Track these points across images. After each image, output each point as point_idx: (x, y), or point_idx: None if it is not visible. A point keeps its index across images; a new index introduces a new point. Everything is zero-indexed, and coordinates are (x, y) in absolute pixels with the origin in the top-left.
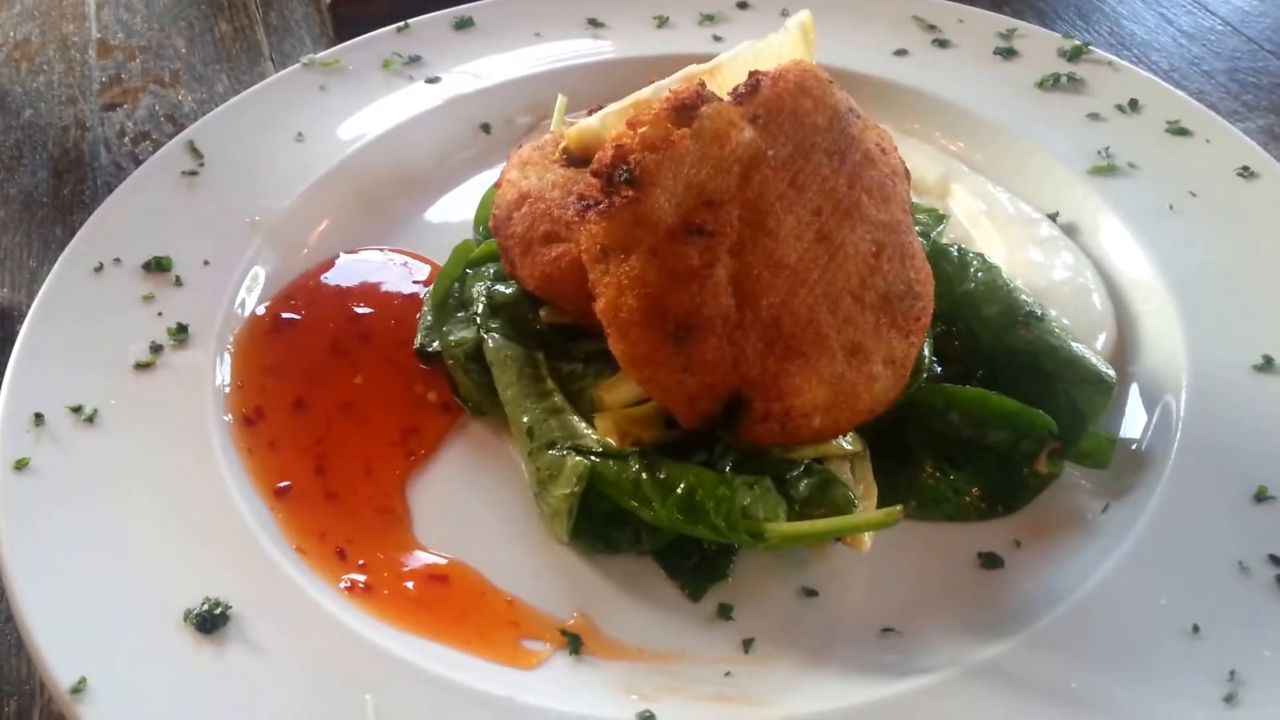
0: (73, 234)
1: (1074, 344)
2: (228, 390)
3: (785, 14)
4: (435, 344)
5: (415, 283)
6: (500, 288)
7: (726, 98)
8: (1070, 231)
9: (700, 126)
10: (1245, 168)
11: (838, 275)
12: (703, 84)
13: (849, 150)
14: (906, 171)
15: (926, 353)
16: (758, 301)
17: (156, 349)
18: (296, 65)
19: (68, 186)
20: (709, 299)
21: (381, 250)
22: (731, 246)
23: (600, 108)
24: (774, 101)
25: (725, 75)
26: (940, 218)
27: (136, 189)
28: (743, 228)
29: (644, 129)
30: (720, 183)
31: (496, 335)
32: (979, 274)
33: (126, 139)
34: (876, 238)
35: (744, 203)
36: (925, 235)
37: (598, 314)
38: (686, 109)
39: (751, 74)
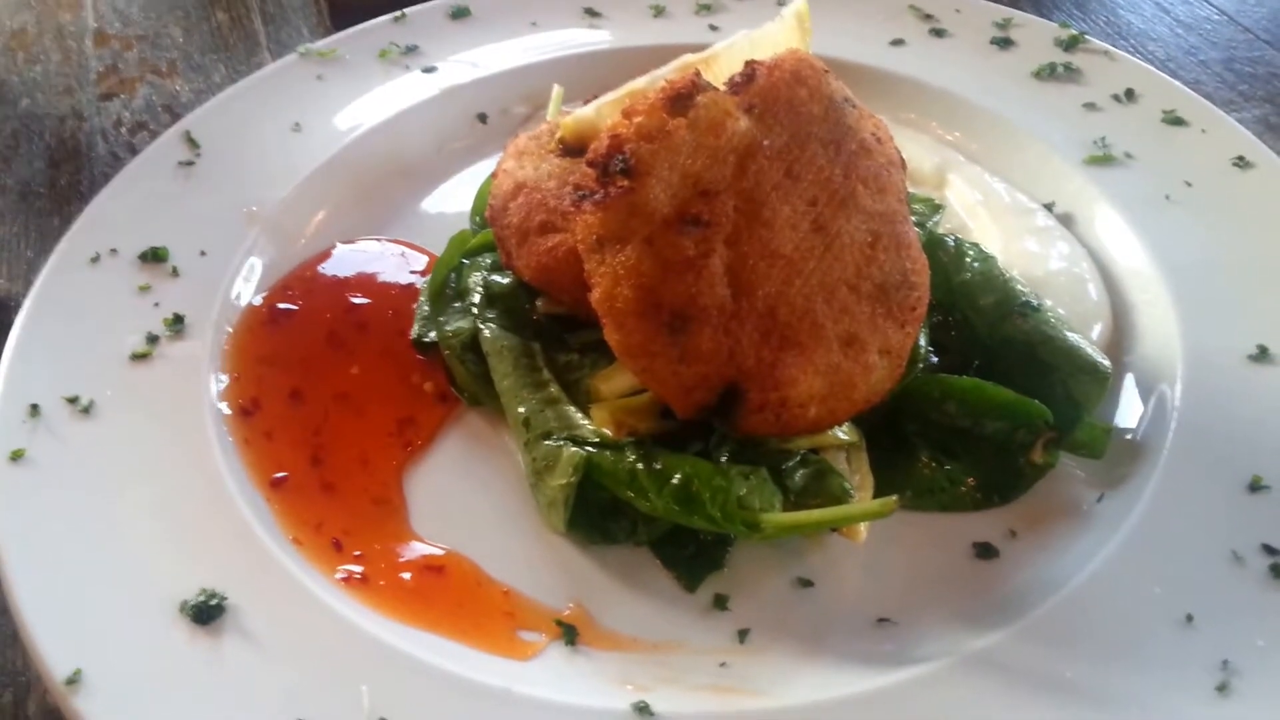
0: (69, 224)
1: (1069, 334)
2: (224, 381)
3: (781, 3)
4: (432, 334)
5: (412, 273)
6: (497, 278)
7: (722, 87)
8: (1066, 221)
9: (696, 116)
10: (1241, 158)
11: (833, 265)
12: (698, 73)
13: (844, 140)
14: (902, 161)
15: (922, 343)
16: (753, 292)
17: (153, 340)
18: (293, 55)
19: (64, 177)
20: (704, 289)
21: (378, 240)
22: (727, 237)
23: (596, 97)
24: (769, 91)
25: (721, 65)
26: (936, 207)
27: (133, 179)
28: (738, 218)
29: (639, 119)
30: (716, 173)
31: (493, 325)
32: (975, 264)
33: (123, 129)
34: (872, 228)
35: (739, 193)
36: (921, 225)
37: (593, 304)
38: (682, 99)
39: (747, 63)
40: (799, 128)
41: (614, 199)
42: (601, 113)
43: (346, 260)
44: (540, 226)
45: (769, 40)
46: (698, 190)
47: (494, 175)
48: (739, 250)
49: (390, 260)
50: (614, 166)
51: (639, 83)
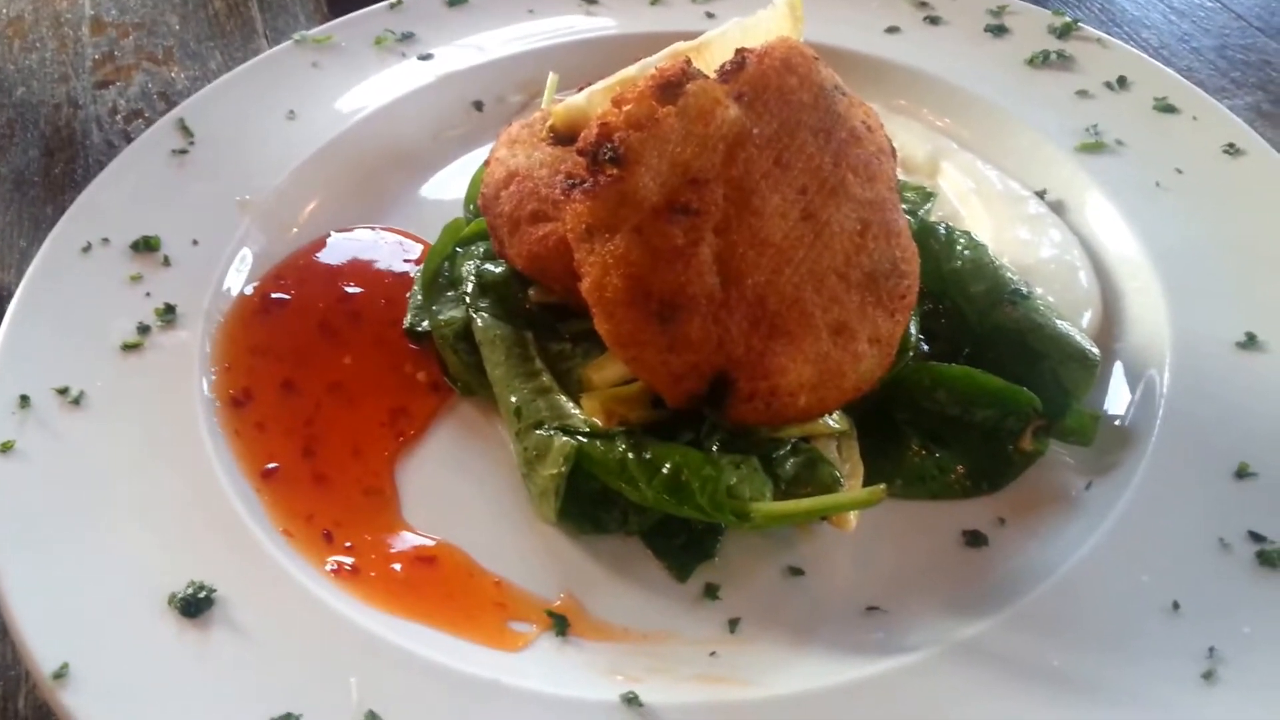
0: (64, 213)
1: (1059, 322)
2: (215, 371)
3: None
4: (425, 323)
5: (406, 261)
6: (489, 267)
7: (713, 75)
8: (1057, 209)
9: (685, 104)
10: (1231, 145)
11: (823, 254)
12: (688, 61)
13: (834, 128)
14: (892, 149)
15: (913, 331)
16: (743, 280)
17: (144, 330)
18: (288, 42)
19: (59, 165)
20: (694, 278)
21: (373, 229)
22: (716, 225)
23: (590, 85)
24: (759, 79)
25: (713, 52)
26: (928, 195)
27: (125, 168)
28: (727, 206)
29: (629, 107)
30: (705, 161)
31: (485, 314)
32: (965, 252)
33: (119, 117)
34: (862, 216)
35: (729, 181)
36: (912, 213)
37: (583, 293)
38: (671, 87)
39: (737, 51)
40: (789, 116)
41: (603, 188)
42: (592, 101)
43: (340, 249)
44: (531, 215)
45: (761, 28)
46: (687, 178)
47: (487, 163)
48: (728, 239)
49: (384, 249)
50: (603, 155)
51: (630, 70)
